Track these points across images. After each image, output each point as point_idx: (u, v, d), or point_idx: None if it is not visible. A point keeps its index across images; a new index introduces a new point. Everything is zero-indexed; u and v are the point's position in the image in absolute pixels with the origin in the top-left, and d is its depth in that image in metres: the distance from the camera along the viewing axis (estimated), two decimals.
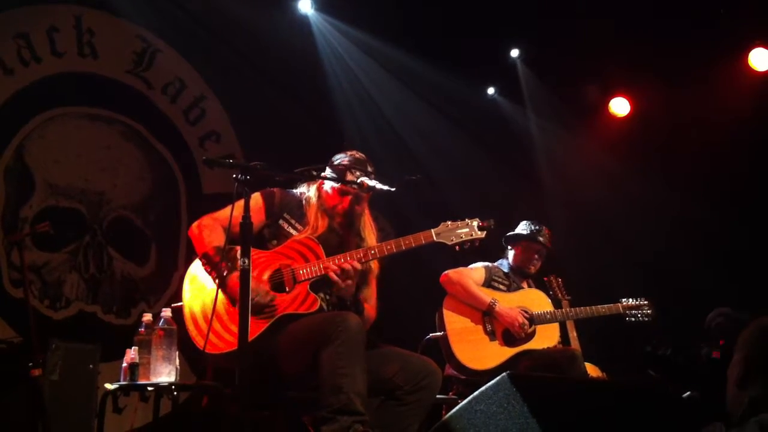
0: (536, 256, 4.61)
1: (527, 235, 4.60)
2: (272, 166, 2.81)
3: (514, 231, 4.66)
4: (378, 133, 6.51)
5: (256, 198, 3.20)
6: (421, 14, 6.10)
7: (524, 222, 4.69)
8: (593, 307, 4.53)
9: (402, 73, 6.49)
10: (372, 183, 3.16)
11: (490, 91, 7.29)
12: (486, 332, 4.27)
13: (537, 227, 4.63)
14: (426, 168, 6.54)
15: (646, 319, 4.61)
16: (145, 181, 5.83)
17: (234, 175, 2.67)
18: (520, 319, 4.25)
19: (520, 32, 6.64)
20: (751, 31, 6.13)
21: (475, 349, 4.20)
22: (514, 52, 6.92)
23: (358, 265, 3.07)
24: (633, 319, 4.60)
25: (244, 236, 2.62)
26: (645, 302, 4.63)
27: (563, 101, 6.88)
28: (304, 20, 6.09)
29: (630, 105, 6.94)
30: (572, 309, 4.51)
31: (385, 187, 3.14)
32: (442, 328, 4.27)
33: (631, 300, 4.63)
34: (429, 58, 6.30)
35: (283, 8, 5.98)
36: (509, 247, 4.69)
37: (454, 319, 4.28)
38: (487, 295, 4.32)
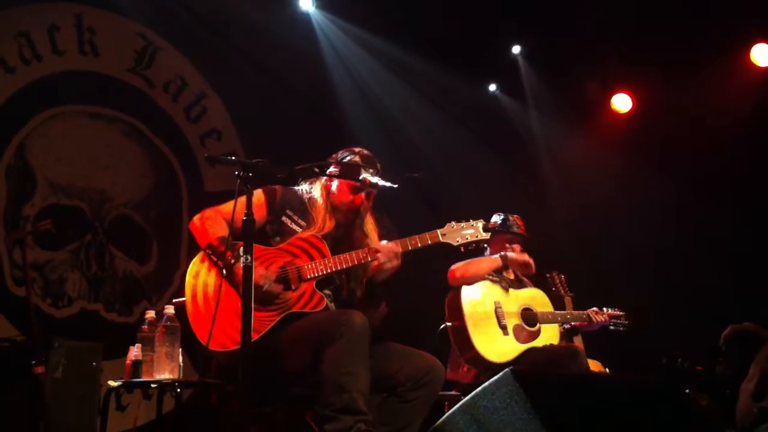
0: (507, 246, 4.60)
1: (502, 229, 4.61)
2: (274, 164, 2.81)
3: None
4: (379, 130, 6.50)
5: (258, 194, 3.20)
6: (421, 11, 6.09)
7: (494, 216, 4.70)
8: (586, 311, 4.59)
9: (403, 71, 6.48)
10: (375, 180, 3.17)
11: (492, 87, 7.28)
12: (500, 326, 4.28)
13: (504, 217, 4.64)
14: (428, 165, 6.54)
15: (621, 329, 4.71)
16: (146, 179, 5.82)
17: (236, 173, 2.67)
18: (527, 257, 4.38)
19: (521, 29, 6.63)
20: (753, 27, 6.12)
21: (491, 342, 4.21)
22: (516, 49, 6.92)
23: (400, 249, 3.10)
24: (613, 327, 4.67)
25: (246, 233, 2.62)
26: (622, 313, 4.74)
27: (565, 98, 6.87)
28: (305, 17, 6.08)
29: (632, 101, 6.93)
30: (569, 312, 4.55)
31: (388, 185, 3.15)
32: (459, 317, 4.25)
33: (611, 310, 4.70)
34: (430, 55, 6.29)
35: (284, 5, 5.98)
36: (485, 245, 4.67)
37: (471, 310, 4.27)
38: (492, 257, 4.40)
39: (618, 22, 5.95)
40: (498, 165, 6.92)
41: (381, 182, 3.16)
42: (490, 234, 3.16)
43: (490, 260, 4.41)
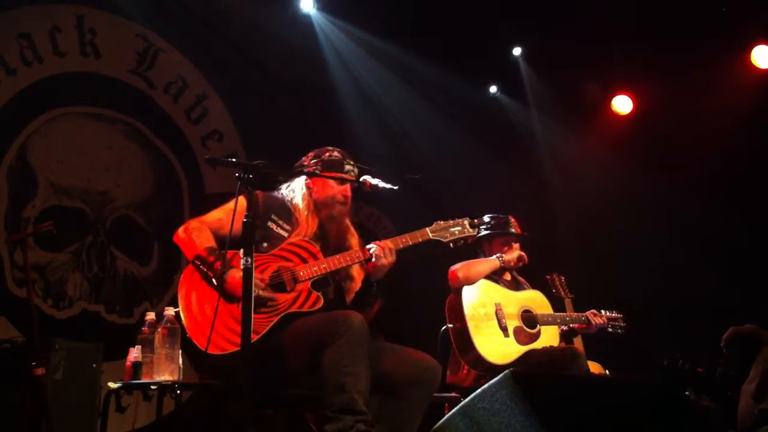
0: (514, 247, 4.60)
1: (498, 231, 4.61)
2: (275, 165, 2.81)
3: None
4: (380, 131, 6.51)
5: (242, 201, 3.17)
6: (422, 13, 6.10)
7: (487, 217, 4.70)
8: (584, 313, 4.59)
9: (404, 72, 6.48)
10: (375, 181, 3.18)
11: (493, 89, 7.28)
12: (500, 328, 4.28)
13: (498, 218, 4.64)
14: (428, 166, 6.54)
15: (619, 331, 4.72)
16: (147, 180, 5.83)
17: (237, 174, 2.67)
18: (519, 251, 4.48)
19: (522, 30, 6.63)
20: (754, 29, 6.12)
21: (492, 344, 4.20)
22: (516, 50, 6.92)
23: (393, 246, 3.13)
24: (611, 329, 4.68)
25: (247, 235, 2.61)
26: (620, 316, 4.74)
27: (566, 99, 6.87)
28: (306, 19, 6.08)
29: (632, 103, 6.93)
30: (568, 314, 4.55)
31: (388, 186, 3.15)
32: (460, 319, 4.25)
33: (609, 312, 4.71)
34: (431, 56, 6.30)
35: (285, 7, 5.98)
36: (483, 247, 4.66)
37: (472, 312, 4.26)
38: (490, 258, 4.44)
39: (619, 24, 5.95)
40: (498, 166, 6.92)
41: (382, 184, 3.17)
42: (477, 230, 3.23)
43: (489, 261, 4.44)
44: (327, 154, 3.30)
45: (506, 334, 4.26)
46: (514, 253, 4.51)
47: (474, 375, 4.26)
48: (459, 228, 3.20)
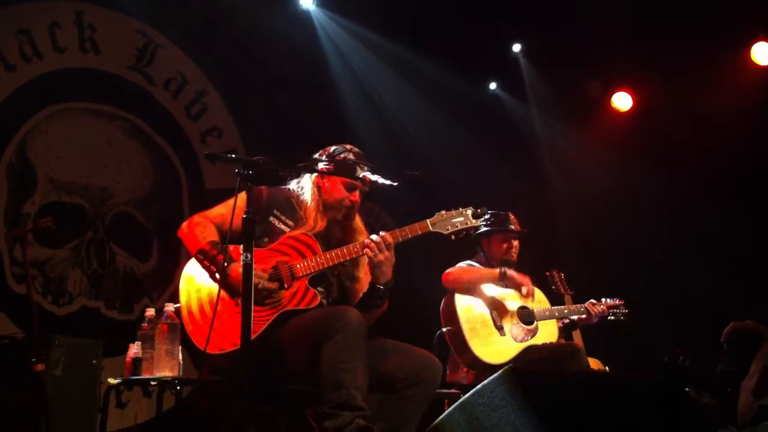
0: (513, 243, 4.58)
1: (497, 228, 4.59)
2: (274, 161, 2.80)
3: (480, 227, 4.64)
4: (380, 128, 6.50)
5: (242, 196, 3.15)
6: (422, 10, 6.09)
7: (486, 213, 4.68)
8: (583, 304, 4.58)
9: (404, 69, 6.48)
10: (375, 178, 3.16)
11: (492, 86, 7.28)
12: (496, 327, 4.27)
13: (498, 216, 4.63)
14: (428, 163, 6.54)
15: (622, 318, 4.73)
16: (147, 177, 5.83)
17: (236, 170, 2.67)
18: (527, 281, 4.32)
19: (522, 27, 6.63)
20: (753, 26, 6.11)
21: (488, 344, 4.19)
22: (516, 47, 6.91)
23: (391, 239, 3.05)
24: (613, 317, 4.67)
25: (247, 231, 2.61)
26: (621, 302, 4.75)
27: (565, 96, 6.87)
28: (305, 15, 6.08)
29: (632, 99, 6.93)
30: (566, 307, 4.54)
31: (388, 182, 3.13)
32: (454, 322, 4.24)
33: (609, 300, 4.70)
34: (431, 53, 6.29)
35: (284, 3, 5.98)
36: (482, 244, 4.65)
37: (467, 315, 4.25)
38: (493, 269, 4.37)
39: (619, 21, 5.95)
40: (499, 163, 6.92)
41: (381, 180, 3.15)
42: (479, 220, 3.13)
43: (488, 272, 4.38)
44: (342, 155, 3.23)
45: (502, 333, 4.26)
46: (522, 279, 4.32)
47: (474, 373, 4.26)
48: (461, 219, 3.10)
